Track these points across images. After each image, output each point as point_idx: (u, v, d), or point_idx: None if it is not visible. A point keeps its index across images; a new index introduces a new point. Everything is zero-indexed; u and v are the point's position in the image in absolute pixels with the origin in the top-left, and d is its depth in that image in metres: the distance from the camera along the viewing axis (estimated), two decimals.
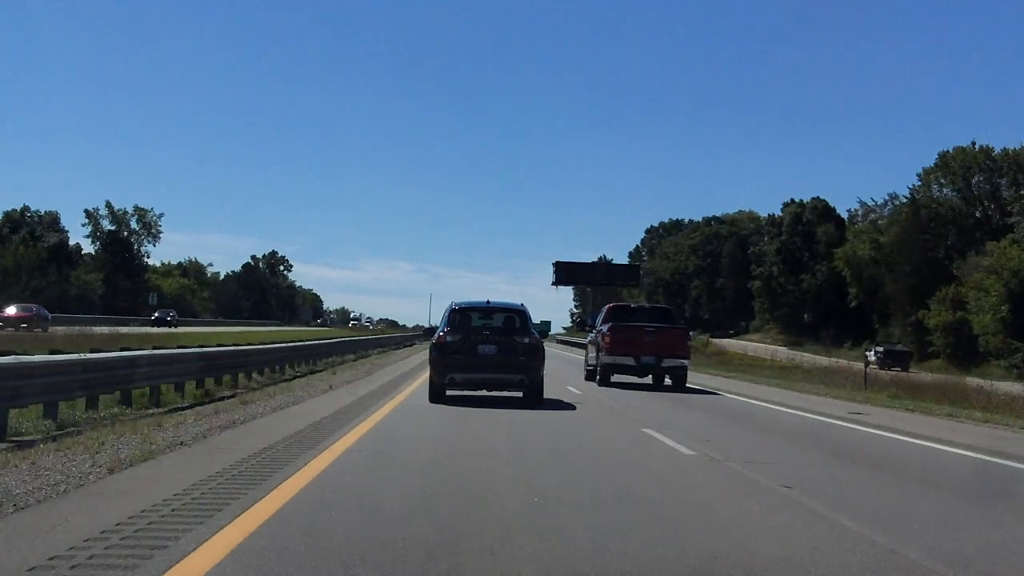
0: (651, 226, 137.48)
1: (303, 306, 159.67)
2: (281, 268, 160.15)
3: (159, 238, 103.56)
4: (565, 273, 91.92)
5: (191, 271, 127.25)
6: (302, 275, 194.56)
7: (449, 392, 17.04)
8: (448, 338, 17.50)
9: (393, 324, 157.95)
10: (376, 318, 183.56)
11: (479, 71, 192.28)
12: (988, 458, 11.12)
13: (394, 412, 14.39)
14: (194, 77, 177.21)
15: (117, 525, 5.39)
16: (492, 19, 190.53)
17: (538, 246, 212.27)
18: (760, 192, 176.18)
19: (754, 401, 21.00)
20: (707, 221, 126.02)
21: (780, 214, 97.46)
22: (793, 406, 19.81)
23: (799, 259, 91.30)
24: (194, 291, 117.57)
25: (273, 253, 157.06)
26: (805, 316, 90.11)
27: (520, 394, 17.43)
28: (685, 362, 23.88)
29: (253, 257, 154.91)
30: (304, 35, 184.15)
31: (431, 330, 19.22)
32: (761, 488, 7.93)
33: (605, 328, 24.31)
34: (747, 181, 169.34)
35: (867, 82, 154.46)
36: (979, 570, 5.29)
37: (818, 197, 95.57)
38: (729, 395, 23.07)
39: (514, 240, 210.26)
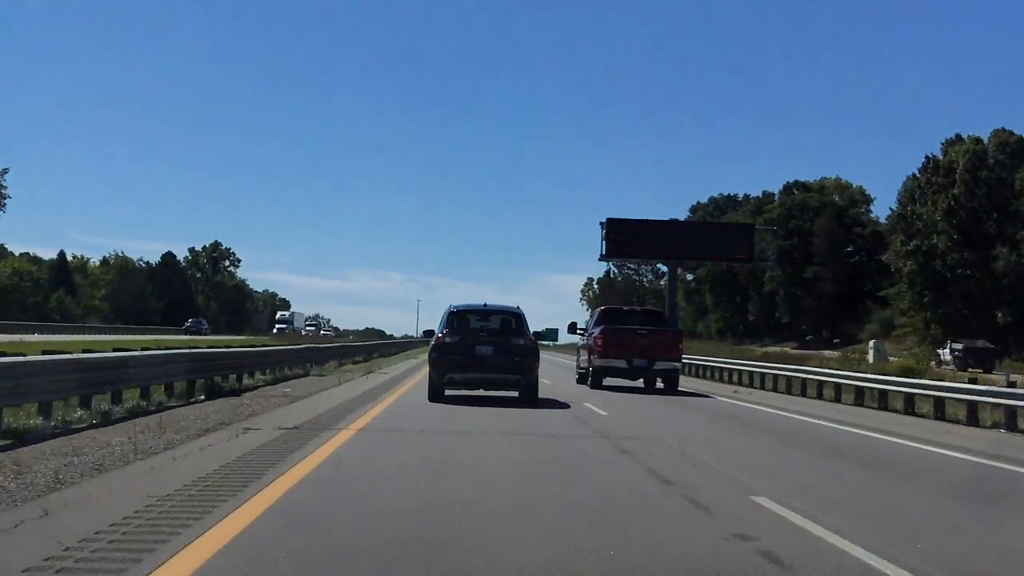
0: (698, 202, 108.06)
1: (262, 311, 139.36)
2: (227, 264, 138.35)
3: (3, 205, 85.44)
4: (621, 239, 49.09)
5: (116, 266, 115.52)
6: (291, 285, 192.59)
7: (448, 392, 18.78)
8: (447, 339, 18.95)
9: (380, 334, 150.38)
10: (339, 327, 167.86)
11: (471, 82, 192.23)
12: None
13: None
14: (182, 84, 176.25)
15: None
16: (485, 29, 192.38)
17: (532, 257, 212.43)
18: None
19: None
20: (788, 188, 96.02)
21: (940, 155, 67.38)
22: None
23: (981, 227, 62.50)
24: (37, 279, 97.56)
25: (216, 245, 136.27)
26: (999, 315, 61.61)
27: (516, 393, 19.09)
28: (677, 365, 24.62)
29: (192, 250, 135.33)
30: (294, 43, 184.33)
31: (430, 332, 20.69)
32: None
33: (597, 331, 25.08)
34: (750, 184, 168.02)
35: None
36: None
37: (1003, 129, 66.12)
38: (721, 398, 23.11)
39: (505, 251, 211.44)
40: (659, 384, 25.47)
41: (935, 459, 12.22)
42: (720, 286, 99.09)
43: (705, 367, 35.83)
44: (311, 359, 31.97)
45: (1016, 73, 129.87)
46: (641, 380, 25.92)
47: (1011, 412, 16.63)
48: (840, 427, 16.47)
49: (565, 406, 18.61)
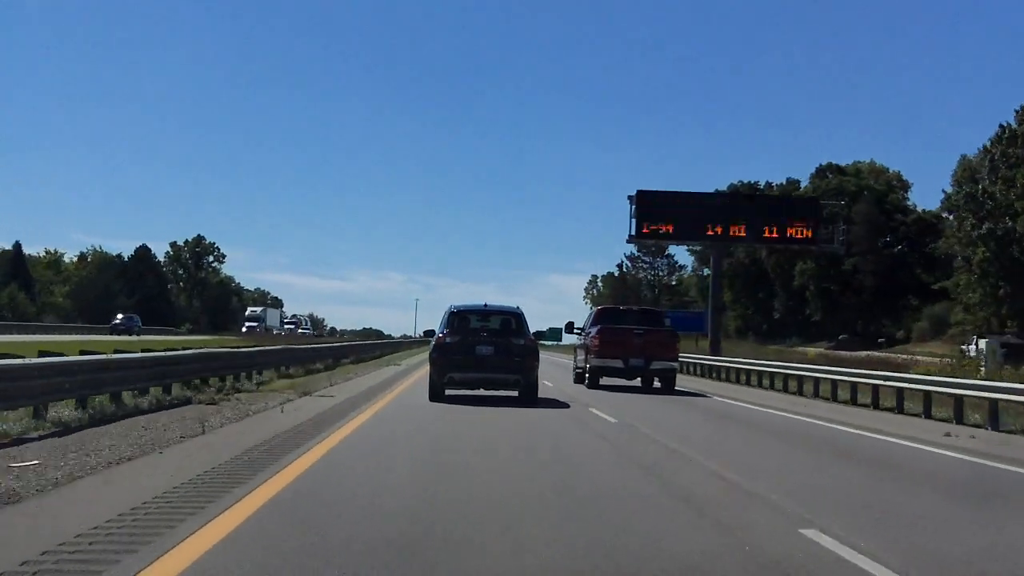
0: (716, 191, 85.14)
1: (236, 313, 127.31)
2: (211, 259, 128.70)
3: None
4: (654, 215, 42.56)
5: (95, 262, 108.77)
6: (290, 285, 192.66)
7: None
8: (448, 339, 19.38)
9: (378, 334, 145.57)
10: (335, 326, 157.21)
11: (472, 82, 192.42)
12: None
13: None
14: (181, 84, 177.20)
15: None
16: (485, 29, 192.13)
17: (532, 257, 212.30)
18: None
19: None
20: (820, 172, 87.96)
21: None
22: None
23: None
24: None
25: (199, 240, 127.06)
26: None
27: (515, 393, 19.45)
28: (674, 364, 25.01)
29: (173, 244, 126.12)
30: (295, 44, 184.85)
31: (431, 332, 21.05)
32: None
33: (593, 331, 25.40)
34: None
35: None
36: None
37: None
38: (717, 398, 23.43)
39: (505, 251, 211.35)
40: (656, 384, 25.93)
41: None
42: (742, 280, 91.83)
43: (749, 372, 30.91)
44: (250, 366, 23.91)
45: None
46: (639, 380, 26.37)
47: None
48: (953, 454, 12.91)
49: (565, 405, 19.01)
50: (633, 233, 42.08)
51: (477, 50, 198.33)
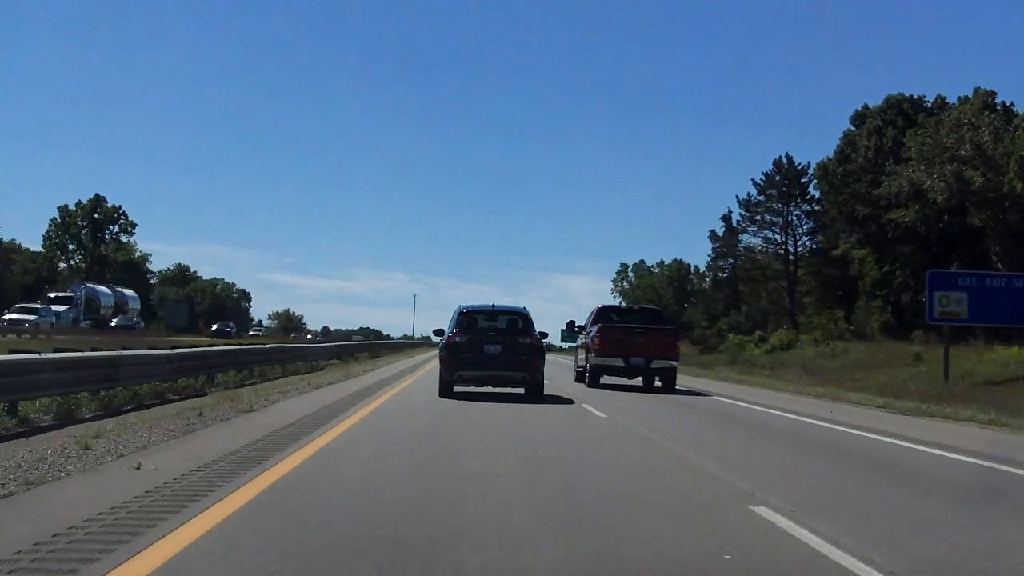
0: (865, 106, 60.96)
1: (175, 304, 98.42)
2: (115, 229, 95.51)
3: None
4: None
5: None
6: (295, 286, 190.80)
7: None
8: (457, 338, 20.12)
9: (377, 334, 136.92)
10: (329, 326, 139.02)
11: (475, 83, 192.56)
12: None
13: None
14: (184, 85, 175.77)
15: None
16: (488, 29, 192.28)
17: (535, 257, 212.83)
18: None
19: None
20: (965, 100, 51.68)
21: None
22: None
23: None
24: None
25: (97, 202, 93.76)
26: None
27: (522, 390, 20.38)
28: (674, 363, 25.13)
29: (63, 210, 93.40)
30: (296, 43, 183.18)
31: (440, 331, 21.38)
32: None
33: (594, 330, 25.30)
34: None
35: None
36: None
37: None
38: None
39: (510, 251, 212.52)
40: (657, 383, 26.00)
41: None
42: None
43: None
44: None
45: None
46: (640, 379, 26.44)
47: None
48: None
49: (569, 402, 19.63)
50: None
51: (480, 51, 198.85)
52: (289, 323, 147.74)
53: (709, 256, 77.42)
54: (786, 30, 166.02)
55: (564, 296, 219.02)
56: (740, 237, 73.31)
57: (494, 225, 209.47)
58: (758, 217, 71.42)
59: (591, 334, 26.34)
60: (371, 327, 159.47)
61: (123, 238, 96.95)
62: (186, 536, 5.80)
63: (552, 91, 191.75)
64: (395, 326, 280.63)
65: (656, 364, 25.36)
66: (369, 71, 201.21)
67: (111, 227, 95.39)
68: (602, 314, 27.86)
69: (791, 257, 69.65)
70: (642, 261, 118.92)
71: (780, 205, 70.56)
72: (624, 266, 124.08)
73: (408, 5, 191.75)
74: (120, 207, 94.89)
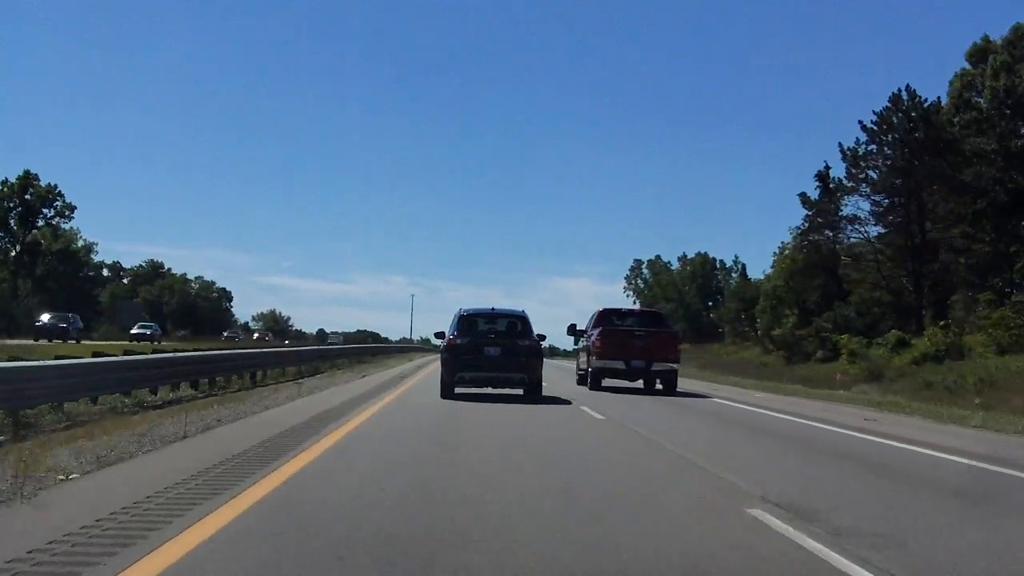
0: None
1: (123, 304, 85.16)
2: (50, 214, 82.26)
3: None
4: None
5: None
6: (295, 289, 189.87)
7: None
8: (458, 341, 20.59)
9: (375, 337, 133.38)
10: (325, 328, 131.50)
11: (475, 83, 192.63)
12: None
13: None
14: (182, 85, 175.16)
15: None
16: (488, 27, 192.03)
17: (534, 259, 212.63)
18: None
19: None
20: None
21: None
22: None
23: None
24: None
25: (27, 180, 79.92)
26: None
27: (520, 391, 20.79)
28: (675, 366, 24.95)
29: None
30: (296, 43, 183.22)
31: (441, 334, 21.88)
32: None
33: (595, 332, 25.25)
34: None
35: None
36: None
37: None
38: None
39: (509, 254, 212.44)
40: (658, 385, 26.09)
41: None
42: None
43: None
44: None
45: None
46: (641, 381, 26.57)
47: None
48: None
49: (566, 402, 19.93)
50: None
51: (481, 52, 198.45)
52: (275, 325, 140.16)
53: (797, 228, 56.79)
54: (786, 30, 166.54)
55: (564, 299, 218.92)
56: (844, 200, 52.25)
57: (494, 227, 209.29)
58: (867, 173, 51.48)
59: (592, 337, 26.45)
60: (369, 330, 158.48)
61: (61, 224, 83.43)
62: None
63: (552, 91, 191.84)
64: (394, 329, 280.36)
65: (657, 366, 25.39)
66: (369, 71, 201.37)
67: (45, 210, 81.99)
68: (603, 317, 27.90)
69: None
70: (658, 257, 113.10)
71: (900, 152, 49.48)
72: (638, 262, 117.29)
73: (408, 5, 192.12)
74: (56, 186, 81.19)
